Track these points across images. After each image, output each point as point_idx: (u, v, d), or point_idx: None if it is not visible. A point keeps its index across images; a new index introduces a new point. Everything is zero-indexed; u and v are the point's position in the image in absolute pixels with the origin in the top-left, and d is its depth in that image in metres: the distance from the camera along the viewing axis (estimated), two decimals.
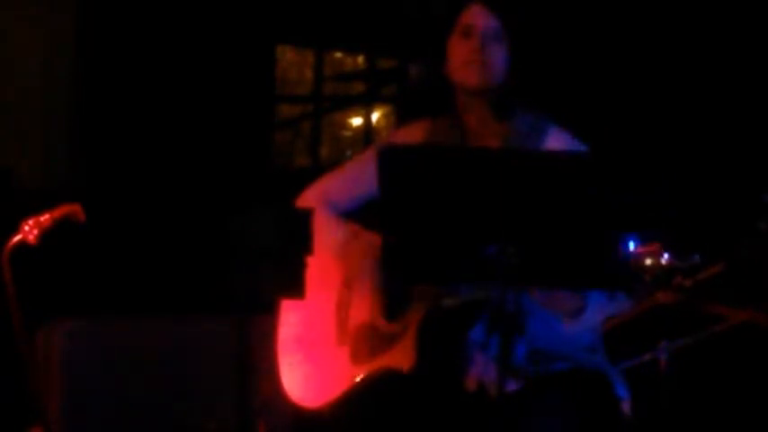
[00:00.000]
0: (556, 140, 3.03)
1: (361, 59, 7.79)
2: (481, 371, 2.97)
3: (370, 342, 3.13)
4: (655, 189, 2.57)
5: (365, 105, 7.39)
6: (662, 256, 2.70)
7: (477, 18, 3.04)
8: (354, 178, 3.23)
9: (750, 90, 4.87)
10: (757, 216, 3.27)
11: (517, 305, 2.86)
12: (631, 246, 2.73)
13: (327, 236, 3.16)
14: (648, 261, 2.69)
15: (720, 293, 3.32)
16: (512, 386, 2.86)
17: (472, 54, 3.03)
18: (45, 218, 3.43)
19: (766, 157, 4.64)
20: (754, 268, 3.31)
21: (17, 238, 3.41)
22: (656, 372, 3.45)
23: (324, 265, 3.14)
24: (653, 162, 4.64)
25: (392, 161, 2.67)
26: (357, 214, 3.27)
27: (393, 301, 3.12)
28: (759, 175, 4.44)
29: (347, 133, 8.55)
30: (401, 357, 3.03)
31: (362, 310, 3.18)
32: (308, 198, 3.26)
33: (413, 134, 3.17)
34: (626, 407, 3.01)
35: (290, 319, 3.26)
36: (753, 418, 4.47)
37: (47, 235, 3.42)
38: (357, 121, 8.19)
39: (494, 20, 3.03)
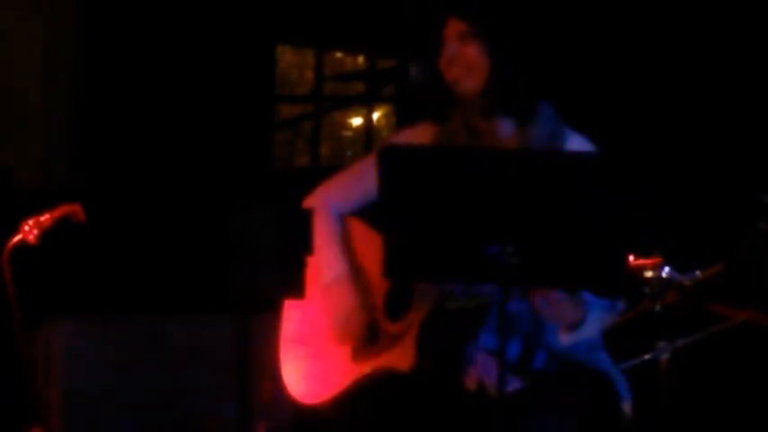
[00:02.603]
0: (573, 147, 3.02)
1: (361, 59, 7.79)
2: (481, 371, 2.97)
3: (371, 341, 3.13)
4: (642, 189, 2.57)
5: (365, 105, 7.39)
6: (662, 269, 2.70)
7: (447, 28, 3.05)
8: (359, 181, 3.23)
9: (749, 90, 4.87)
10: (757, 216, 3.27)
11: (533, 312, 2.87)
12: (631, 258, 2.73)
13: (319, 267, 3.17)
14: (649, 274, 2.69)
15: (720, 293, 3.32)
16: (512, 386, 2.86)
17: (445, 66, 3.04)
18: (45, 218, 3.43)
19: (766, 158, 4.64)
20: (754, 268, 3.31)
21: (17, 238, 3.42)
22: (656, 372, 3.45)
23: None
24: (650, 163, 4.64)
25: (392, 161, 2.68)
26: (357, 214, 3.28)
27: (395, 301, 3.12)
28: (759, 176, 4.44)
29: (347, 133, 8.56)
30: (402, 357, 3.03)
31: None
32: (314, 202, 3.26)
33: (420, 135, 3.16)
34: (626, 407, 3.01)
35: (294, 316, 3.27)
36: (753, 418, 4.47)
37: (47, 235, 3.42)
38: (357, 121, 8.19)
39: (461, 24, 3.02)
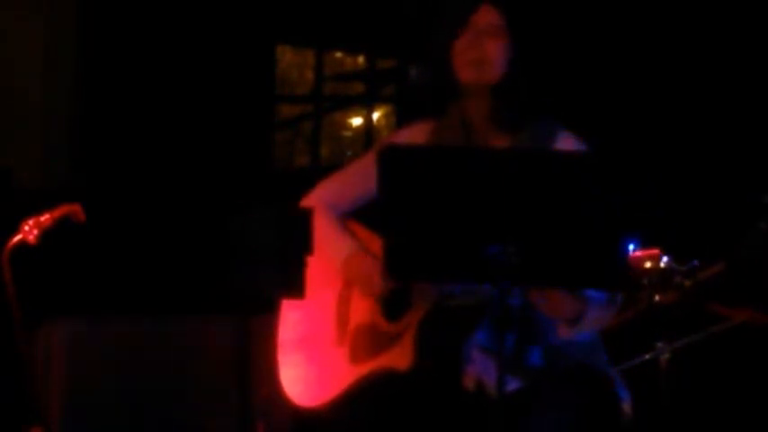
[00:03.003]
0: (565, 145, 3.02)
1: (361, 59, 7.79)
2: (480, 370, 2.97)
3: (369, 342, 3.13)
4: (641, 188, 2.58)
5: (365, 105, 7.39)
6: (661, 259, 2.69)
7: (479, 16, 3.04)
8: (357, 179, 3.23)
9: (750, 90, 4.87)
10: (757, 216, 3.27)
11: (526, 308, 2.87)
12: (630, 248, 2.73)
13: (331, 249, 3.15)
14: (647, 264, 2.69)
15: (720, 293, 3.32)
16: (511, 385, 2.86)
17: (468, 50, 3.03)
18: (45, 218, 3.43)
19: (766, 158, 4.64)
20: (754, 268, 3.31)
21: (17, 238, 3.42)
22: (656, 372, 3.45)
23: (324, 265, 3.14)
24: (650, 162, 4.64)
25: (392, 161, 2.67)
26: (357, 214, 3.28)
27: (393, 302, 3.12)
28: (759, 176, 4.44)
29: (347, 133, 8.55)
30: (400, 358, 3.03)
31: (362, 309, 3.18)
32: (311, 201, 3.26)
33: (416, 134, 3.16)
34: (626, 407, 3.01)
35: (291, 319, 3.26)
36: (753, 418, 4.47)
37: (47, 235, 3.42)
38: (357, 121, 8.19)
39: (494, 16, 3.02)
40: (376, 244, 3.15)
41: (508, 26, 3.01)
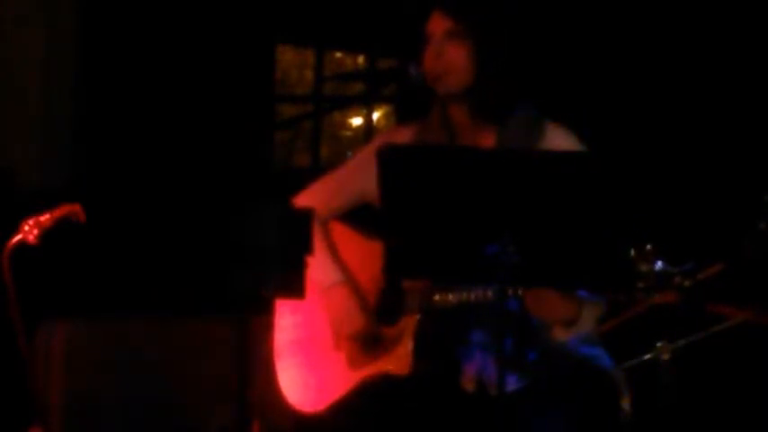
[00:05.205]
0: (554, 138, 3.00)
1: (361, 59, 7.79)
2: (479, 368, 2.97)
3: (366, 346, 3.12)
4: (639, 187, 2.57)
5: (365, 105, 7.38)
6: (655, 263, 2.68)
7: (433, 24, 3.02)
8: (345, 184, 3.22)
9: (750, 90, 4.87)
10: (758, 216, 3.27)
11: (523, 310, 2.86)
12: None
13: (317, 271, 3.13)
14: (642, 267, 2.68)
15: (720, 293, 3.32)
16: (512, 385, 2.86)
17: (428, 62, 3.00)
18: (45, 218, 3.43)
19: (766, 157, 4.64)
20: (755, 268, 3.31)
21: (17, 238, 3.42)
22: (656, 372, 3.45)
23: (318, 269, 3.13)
24: (649, 162, 4.64)
25: (392, 161, 2.67)
26: (357, 215, 3.27)
27: (386, 306, 3.11)
28: (759, 175, 4.44)
29: (347, 133, 8.56)
30: (398, 362, 3.02)
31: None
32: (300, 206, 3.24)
33: (401, 137, 3.15)
34: (626, 406, 3.01)
35: (286, 324, 3.25)
36: (752, 418, 4.47)
37: (47, 235, 3.42)
38: (357, 121, 8.19)
39: (448, 21, 2.99)
40: (361, 245, 3.16)
41: (465, 30, 2.97)
